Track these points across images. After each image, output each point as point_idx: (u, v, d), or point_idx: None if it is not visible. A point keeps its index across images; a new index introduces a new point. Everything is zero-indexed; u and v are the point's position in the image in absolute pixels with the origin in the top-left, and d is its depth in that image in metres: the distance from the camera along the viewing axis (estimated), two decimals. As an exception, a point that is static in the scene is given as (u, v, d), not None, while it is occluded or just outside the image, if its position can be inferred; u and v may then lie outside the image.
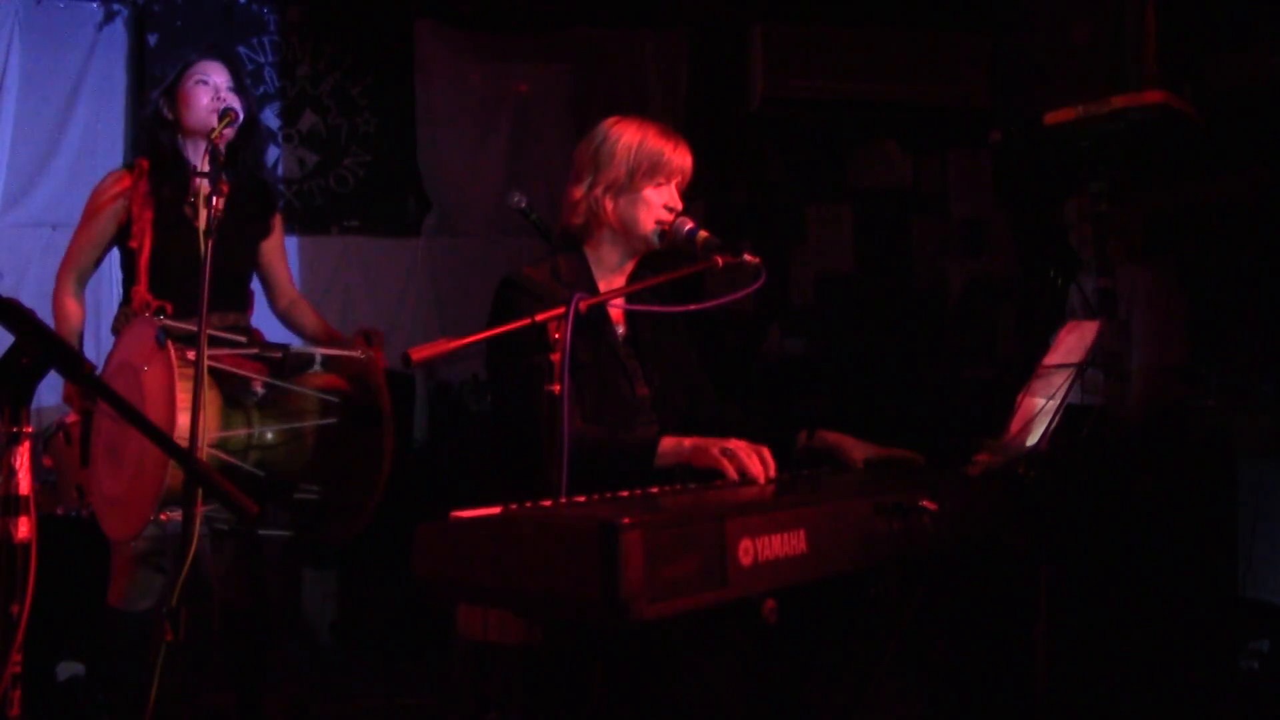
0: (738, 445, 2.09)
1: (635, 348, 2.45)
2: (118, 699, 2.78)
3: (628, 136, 2.36)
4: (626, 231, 2.37)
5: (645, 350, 2.46)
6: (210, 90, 2.83)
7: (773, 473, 2.09)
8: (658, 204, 2.35)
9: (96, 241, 2.90)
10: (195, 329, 2.44)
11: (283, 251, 3.16)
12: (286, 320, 3.18)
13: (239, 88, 2.90)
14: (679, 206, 2.38)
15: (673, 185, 2.38)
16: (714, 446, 2.10)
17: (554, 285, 2.31)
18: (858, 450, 2.42)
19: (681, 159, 2.38)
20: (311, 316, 3.18)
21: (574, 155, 2.43)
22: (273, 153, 4.95)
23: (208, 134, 2.68)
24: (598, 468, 2.06)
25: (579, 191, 2.38)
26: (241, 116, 2.79)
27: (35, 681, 3.24)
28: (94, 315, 4.03)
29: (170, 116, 2.87)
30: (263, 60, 4.98)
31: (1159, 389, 3.45)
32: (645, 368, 2.44)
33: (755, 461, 2.07)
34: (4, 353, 1.54)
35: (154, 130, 2.88)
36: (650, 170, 2.34)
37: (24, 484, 1.54)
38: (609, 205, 2.36)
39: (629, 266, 2.45)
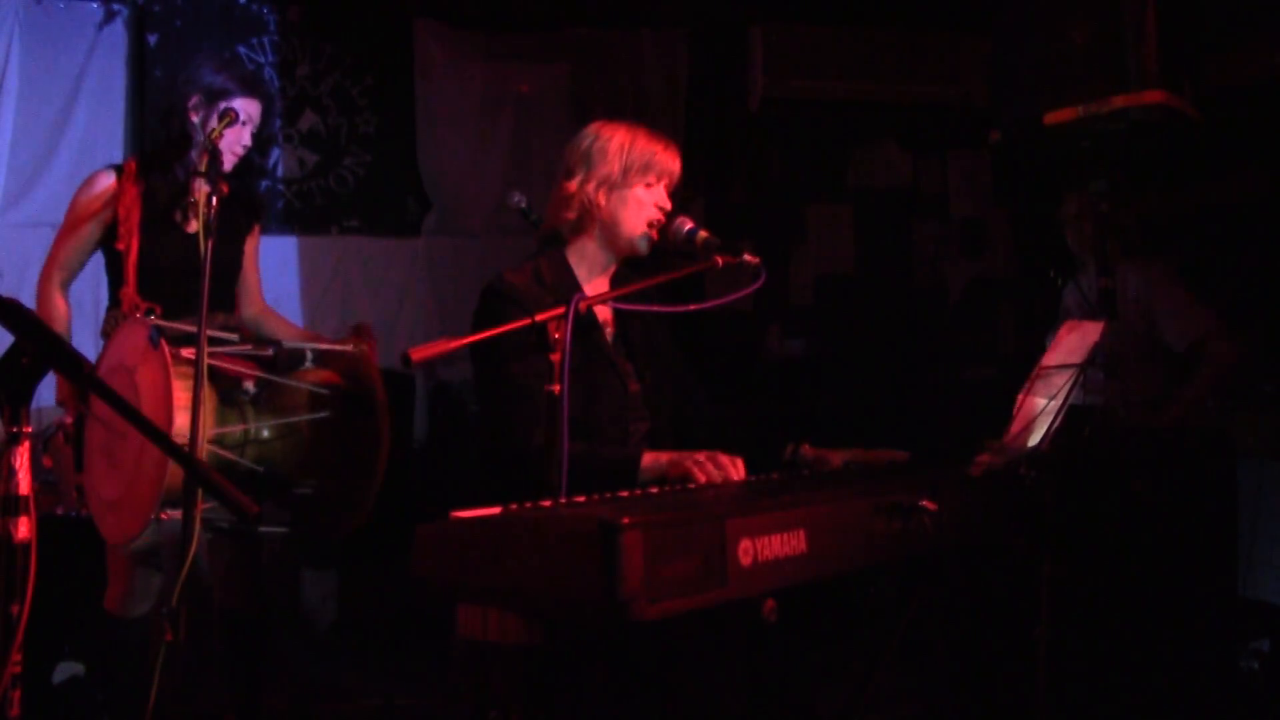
0: (710, 455, 2.16)
1: (625, 346, 2.48)
2: (117, 699, 2.77)
3: (620, 136, 2.40)
4: (615, 229, 2.40)
5: (635, 348, 2.49)
6: (243, 130, 2.85)
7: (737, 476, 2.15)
8: (649, 202, 2.39)
9: (83, 244, 2.89)
10: (186, 329, 2.44)
11: (257, 257, 3.16)
12: (255, 328, 3.16)
13: (263, 122, 2.93)
14: (669, 207, 2.42)
15: (662, 186, 2.41)
16: (688, 459, 2.16)
17: (537, 290, 2.33)
18: (837, 459, 2.45)
19: (671, 160, 2.42)
20: (285, 327, 3.17)
21: (564, 155, 2.46)
22: (273, 153, 4.95)
23: (207, 134, 2.68)
24: (581, 482, 2.06)
25: (572, 186, 2.40)
26: (240, 117, 2.79)
27: (35, 682, 3.24)
28: (93, 316, 4.05)
29: (197, 122, 2.85)
30: (263, 60, 4.98)
31: (1226, 361, 3.45)
32: (636, 365, 2.46)
33: (712, 470, 2.13)
34: (4, 353, 1.53)
35: (183, 124, 2.87)
36: (643, 168, 2.37)
37: (24, 484, 1.54)
38: (601, 200, 2.38)
39: (612, 268, 2.48)
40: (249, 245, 3.09)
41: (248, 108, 2.87)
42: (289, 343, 2.73)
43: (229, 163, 2.82)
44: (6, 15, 4.61)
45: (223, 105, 2.83)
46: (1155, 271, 3.53)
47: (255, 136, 2.93)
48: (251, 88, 2.91)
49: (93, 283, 3.25)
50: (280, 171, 5.01)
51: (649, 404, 2.46)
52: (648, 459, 2.21)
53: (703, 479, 2.12)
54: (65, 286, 2.94)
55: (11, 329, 1.53)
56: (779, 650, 2.21)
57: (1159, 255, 3.66)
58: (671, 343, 2.61)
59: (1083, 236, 3.65)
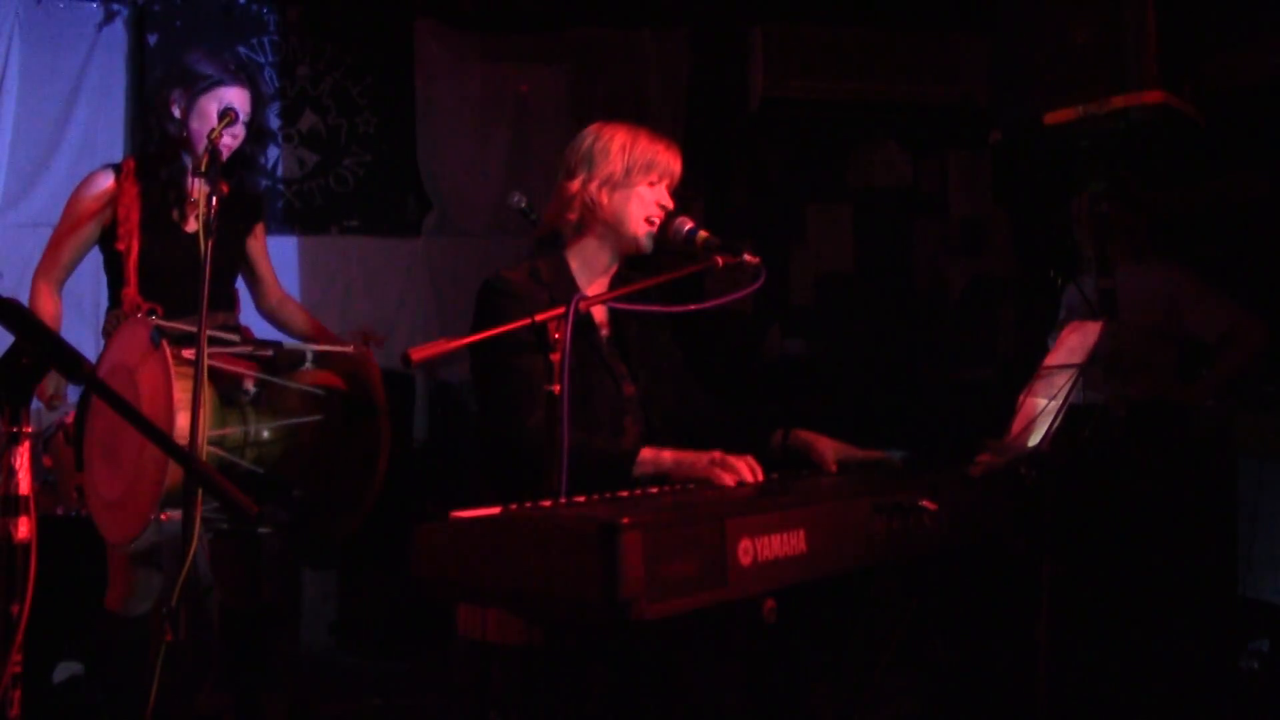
0: (728, 458, 2.14)
1: (620, 347, 2.47)
2: (117, 699, 2.77)
3: (621, 136, 2.39)
4: (618, 228, 2.38)
5: (631, 349, 2.47)
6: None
7: (755, 479, 2.13)
8: (651, 200, 2.38)
9: (81, 244, 2.88)
10: (187, 329, 2.44)
11: (267, 250, 3.15)
12: (275, 319, 3.18)
13: (254, 112, 2.88)
14: (671, 206, 2.41)
15: (664, 185, 2.41)
16: (701, 459, 2.14)
17: (534, 288, 2.32)
18: (830, 451, 2.42)
19: (673, 161, 2.41)
20: (301, 315, 3.19)
21: (564, 156, 2.44)
22: (273, 153, 4.95)
23: (207, 135, 2.68)
24: (576, 472, 2.06)
25: (574, 185, 2.39)
26: (240, 117, 2.78)
27: (35, 682, 3.24)
28: (93, 316, 4.05)
29: (179, 116, 2.84)
30: (263, 60, 4.98)
31: (1257, 340, 3.49)
32: (631, 367, 2.45)
33: (728, 474, 2.12)
34: (4, 353, 1.53)
35: (162, 120, 2.85)
36: (646, 167, 2.37)
37: (24, 484, 1.53)
38: (604, 199, 2.37)
39: (614, 269, 2.46)
40: (254, 242, 3.09)
41: (230, 95, 2.80)
42: (289, 344, 2.73)
43: (222, 154, 2.74)
44: (6, 15, 4.61)
45: (205, 96, 2.78)
46: (1175, 269, 3.56)
47: (248, 126, 2.86)
48: (235, 75, 2.84)
49: (93, 283, 3.25)
50: (280, 171, 5.01)
51: (644, 406, 2.45)
52: (647, 453, 2.19)
53: (729, 482, 2.10)
54: (58, 288, 2.93)
55: (11, 329, 1.53)
56: (779, 650, 2.21)
57: (1172, 254, 3.68)
58: (672, 344, 2.60)
59: (1086, 236, 3.65)
